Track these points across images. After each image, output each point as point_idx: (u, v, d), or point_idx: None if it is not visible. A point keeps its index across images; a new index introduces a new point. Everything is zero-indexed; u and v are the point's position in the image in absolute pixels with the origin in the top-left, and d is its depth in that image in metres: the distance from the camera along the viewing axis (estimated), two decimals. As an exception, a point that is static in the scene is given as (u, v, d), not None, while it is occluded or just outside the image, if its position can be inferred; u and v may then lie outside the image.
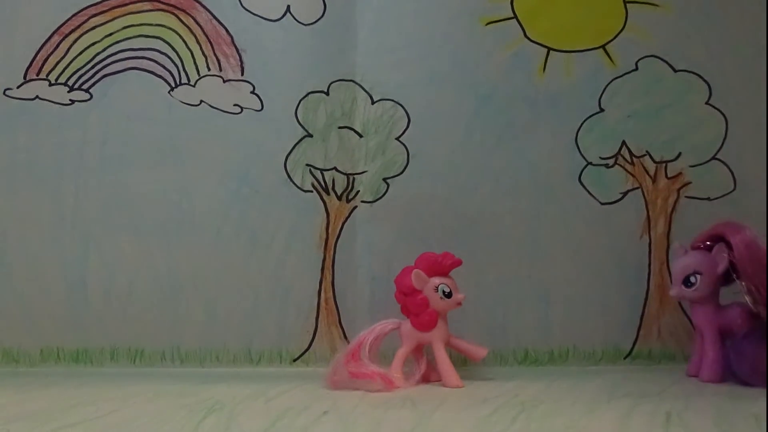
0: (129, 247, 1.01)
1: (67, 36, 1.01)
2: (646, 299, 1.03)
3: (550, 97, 1.05)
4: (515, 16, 1.05)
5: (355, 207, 1.03)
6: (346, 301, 1.02)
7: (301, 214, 1.02)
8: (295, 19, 1.03)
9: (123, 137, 1.02)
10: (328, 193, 1.03)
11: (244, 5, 1.03)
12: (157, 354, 1.00)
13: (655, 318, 1.04)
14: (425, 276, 0.90)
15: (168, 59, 1.02)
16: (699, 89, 1.05)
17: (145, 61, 1.02)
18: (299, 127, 1.03)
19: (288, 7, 1.03)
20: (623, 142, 1.05)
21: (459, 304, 0.90)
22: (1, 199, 1.00)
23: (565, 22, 1.05)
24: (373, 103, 1.04)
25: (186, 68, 1.03)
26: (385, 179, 1.03)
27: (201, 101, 1.03)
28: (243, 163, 1.02)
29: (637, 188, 1.05)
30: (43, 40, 1.01)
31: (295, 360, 1.01)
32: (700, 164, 1.05)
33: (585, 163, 1.05)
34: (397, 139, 1.04)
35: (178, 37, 1.03)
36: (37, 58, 1.01)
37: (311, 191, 1.03)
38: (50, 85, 1.01)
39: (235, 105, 1.03)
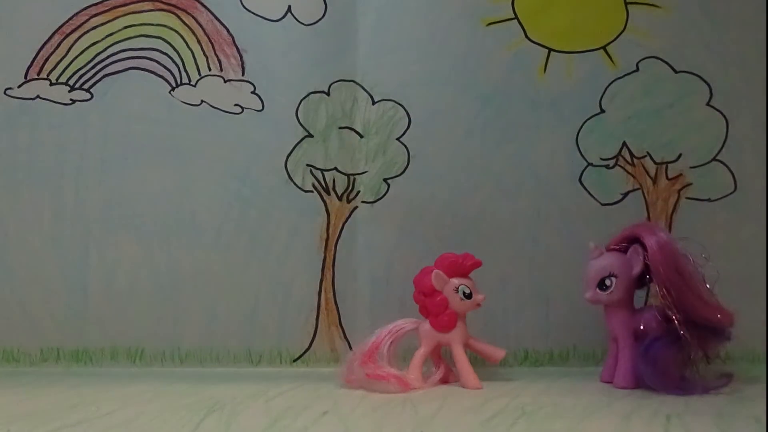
0: (129, 247, 1.01)
1: (68, 35, 1.02)
2: (645, 300, 1.03)
3: (550, 97, 1.05)
4: (516, 17, 1.05)
5: (356, 207, 1.03)
6: (346, 301, 1.02)
7: (301, 214, 1.02)
8: (296, 19, 1.03)
9: (123, 137, 1.02)
10: (328, 194, 1.03)
11: (245, 5, 1.03)
12: (157, 354, 1.00)
13: (655, 319, 1.04)
14: (445, 276, 0.89)
15: (169, 59, 1.02)
16: (700, 90, 1.05)
17: (145, 60, 1.02)
18: (300, 127, 1.03)
19: (289, 7, 1.03)
20: (624, 143, 1.05)
21: (479, 305, 0.90)
22: (1, 199, 1.00)
23: (565, 23, 1.05)
24: (373, 103, 1.04)
25: (187, 68, 1.03)
26: (385, 180, 1.03)
27: (202, 101, 1.03)
28: (243, 163, 1.02)
29: (638, 189, 1.05)
30: (44, 39, 1.01)
31: (295, 360, 1.01)
32: (701, 165, 1.05)
33: (585, 163, 1.05)
34: (398, 139, 1.04)
35: (179, 37, 1.03)
36: (38, 57, 1.01)
37: (312, 191, 1.03)
38: (51, 84, 1.01)
39: (235, 105, 1.03)
